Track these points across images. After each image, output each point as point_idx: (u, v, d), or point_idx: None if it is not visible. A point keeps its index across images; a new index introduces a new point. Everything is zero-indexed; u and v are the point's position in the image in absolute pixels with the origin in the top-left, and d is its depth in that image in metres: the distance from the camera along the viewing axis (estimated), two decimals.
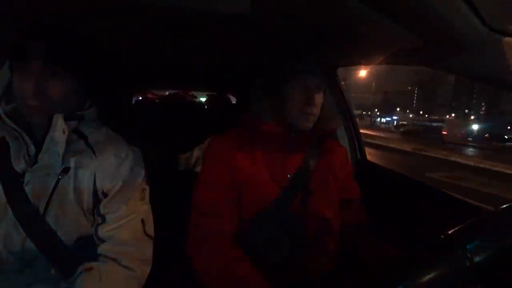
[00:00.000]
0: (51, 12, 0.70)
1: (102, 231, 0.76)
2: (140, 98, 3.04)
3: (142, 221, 0.80)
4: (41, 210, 0.72)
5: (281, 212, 0.86)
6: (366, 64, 1.16)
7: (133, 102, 2.92)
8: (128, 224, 0.78)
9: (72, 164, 0.75)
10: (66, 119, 0.73)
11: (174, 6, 0.63)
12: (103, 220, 0.77)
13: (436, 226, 0.86)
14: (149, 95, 2.84)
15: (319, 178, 0.93)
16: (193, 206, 0.87)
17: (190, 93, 2.65)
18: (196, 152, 1.64)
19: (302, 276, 0.85)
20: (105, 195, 0.77)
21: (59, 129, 0.72)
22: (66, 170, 0.74)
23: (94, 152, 0.78)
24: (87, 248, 0.76)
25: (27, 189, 0.72)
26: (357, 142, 1.47)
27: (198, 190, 0.88)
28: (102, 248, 0.76)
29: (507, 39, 0.50)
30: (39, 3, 0.66)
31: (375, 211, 1.02)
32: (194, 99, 2.74)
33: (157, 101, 2.66)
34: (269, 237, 0.85)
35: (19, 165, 0.73)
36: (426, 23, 0.56)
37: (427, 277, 0.32)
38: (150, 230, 0.83)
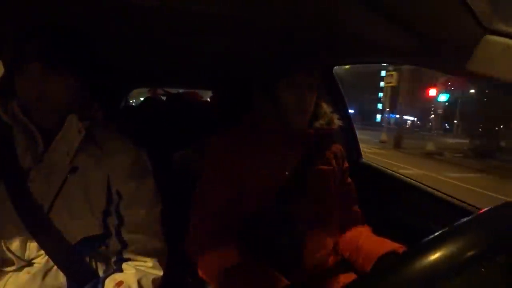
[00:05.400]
0: (50, 11, 0.69)
1: (125, 234, 0.76)
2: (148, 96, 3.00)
3: (160, 222, 0.81)
4: (46, 208, 0.70)
5: (280, 210, 0.87)
6: (362, 63, 1.16)
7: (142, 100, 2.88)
8: (148, 226, 0.78)
9: (81, 164, 0.73)
10: (79, 120, 0.72)
11: (170, 7, 0.62)
12: (122, 222, 0.76)
13: (430, 227, 0.86)
14: (158, 92, 2.78)
15: (317, 176, 0.94)
16: (194, 205, 0.87)
17: (197, 92, 2.62)
18: (191, 151, 1.62)
19: (302, 273, 0.86)
20: (119, 195, 0.76)
21: (74, 129, 0.71)
22: (74, 170, 0.73)
23: (104, 153, 0.76)
24: (90, 248, 0.76)
25: (31, 186, 0.70)
26: (353, 141, 1.47)
27: (199, 189, 0.89)
28: (126, 253, 0.76)
29: (502, 40, 0.50)
30: (39, 2, 0.65)
31: (370, 210, 1.02)
32: (201, 99, 2.70)
33: (164, 98, 2.61)
34: (267, 234, 0.85)
35: (25, 162, 0.71)
36: (421, 23, 0.56)
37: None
38: (163, 229, 0.83)
